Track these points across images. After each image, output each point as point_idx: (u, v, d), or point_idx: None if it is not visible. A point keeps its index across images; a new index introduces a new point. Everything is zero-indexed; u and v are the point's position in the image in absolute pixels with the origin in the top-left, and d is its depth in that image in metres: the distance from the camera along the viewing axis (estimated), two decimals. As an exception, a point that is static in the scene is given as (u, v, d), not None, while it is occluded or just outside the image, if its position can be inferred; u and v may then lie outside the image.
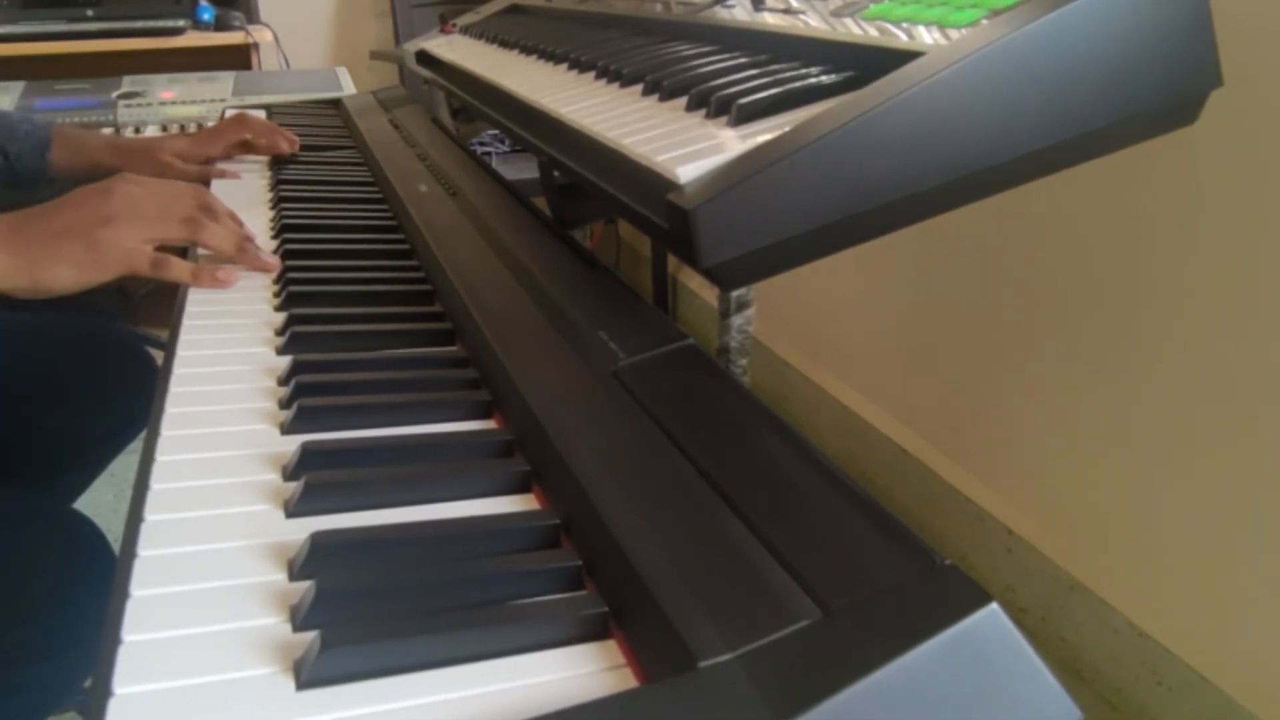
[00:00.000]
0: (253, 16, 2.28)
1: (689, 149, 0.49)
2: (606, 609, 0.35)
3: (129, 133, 1.76)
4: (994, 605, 0.30)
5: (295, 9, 2.46)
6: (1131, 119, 0.48)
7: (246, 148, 1.05)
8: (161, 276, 0.66)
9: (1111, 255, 1.10)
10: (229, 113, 1.17)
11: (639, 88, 0.63)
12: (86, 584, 0.69)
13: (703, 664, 0.30)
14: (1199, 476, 1.03)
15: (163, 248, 0.67)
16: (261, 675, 0.33)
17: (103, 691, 0.31)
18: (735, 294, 1.13)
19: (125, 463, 0.88)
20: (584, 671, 0.34)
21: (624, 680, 0.33)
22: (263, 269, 0.70)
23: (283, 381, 0.54)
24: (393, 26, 2.46)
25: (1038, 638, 1.24)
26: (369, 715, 0.31)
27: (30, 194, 0.96)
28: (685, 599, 0.33)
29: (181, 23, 2.10)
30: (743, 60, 0.61)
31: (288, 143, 1.04)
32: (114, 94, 1.82)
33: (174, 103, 1.82)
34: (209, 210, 0.70)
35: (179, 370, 0.54)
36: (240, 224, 0.73)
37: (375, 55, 1.97)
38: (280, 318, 0.62)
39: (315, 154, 1.06)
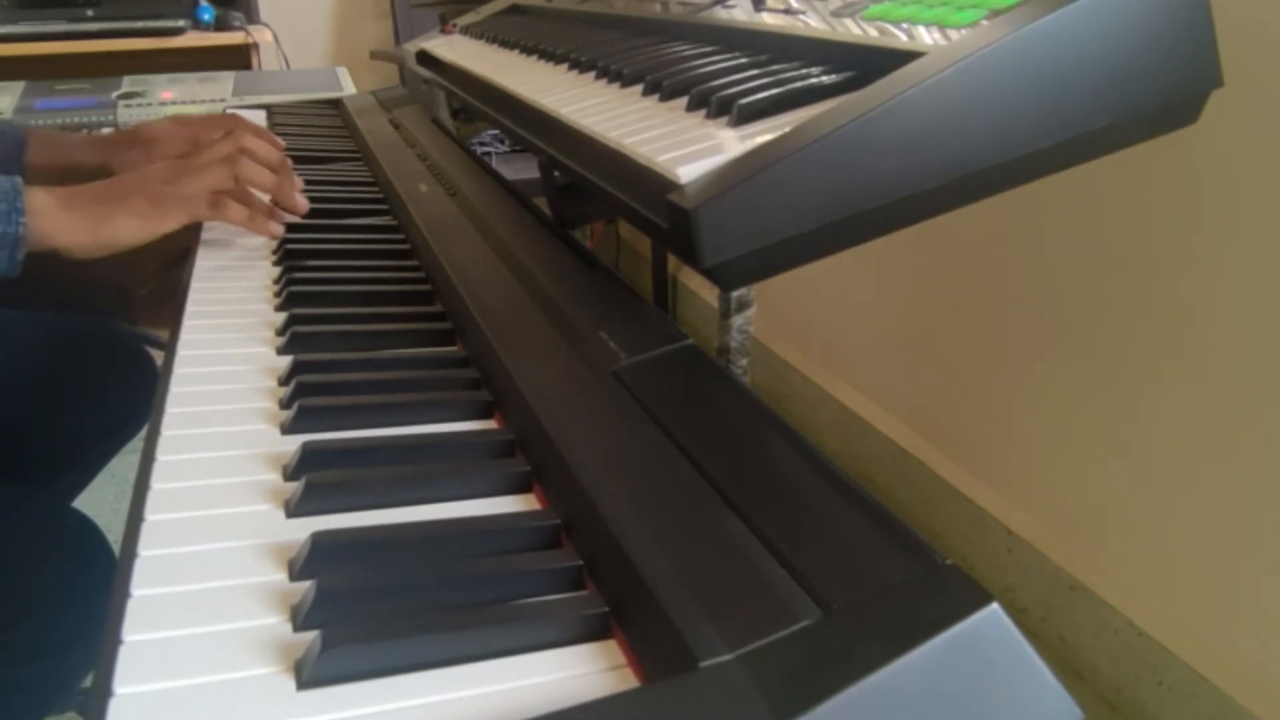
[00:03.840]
0: (253, 16, 2.28)
1: (690, 149, 0.49)
2: (607, 609, 0.36)
3: (129, 133, 1.75)
4: (995, 605, 0.30)
5: (295, 9, 2.46)
6: (1132, 119, 0.48)
7: None
8: (219, 216, 0.71)
9: (1111, 255, 1.10)
10: (228, 111, 1.16)
11: (639, 88, 0.63)
12: (86, 583, 0.69)
13: (703, 664, 0.30)
14: (1200, 476, 1.03)
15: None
16: (262, 675, 0.33)
17: (103, 691, 0.31)
18: (735, 294, 1.13)
19: (125, 462, 0.88)
20: (585, 671, 0.34)
21: (625, 680, 0.33)
22: (294, 208, 0.77)
23: (283, 381, 0.54)
24: (393, 26, 2.46)
25: (1038, 638, 1.24)
26: (370, 715, 0.31)
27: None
28: (686, 599, 0.33)
29: (181, 23, 2.10)
30: (743, 60, 0.61)
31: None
32: (114, 94, 1.82)
33: (174, 103, 1.82)
34: (243, 142, 0.75)
35: (179, 370, 0.54)
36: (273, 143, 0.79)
37: (375, 55, 1.97)
38: (280, 318, 0.62)
39: (315, 154, 1.06)
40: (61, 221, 0.65)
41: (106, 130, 1.76)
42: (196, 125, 0.98)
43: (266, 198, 0.77)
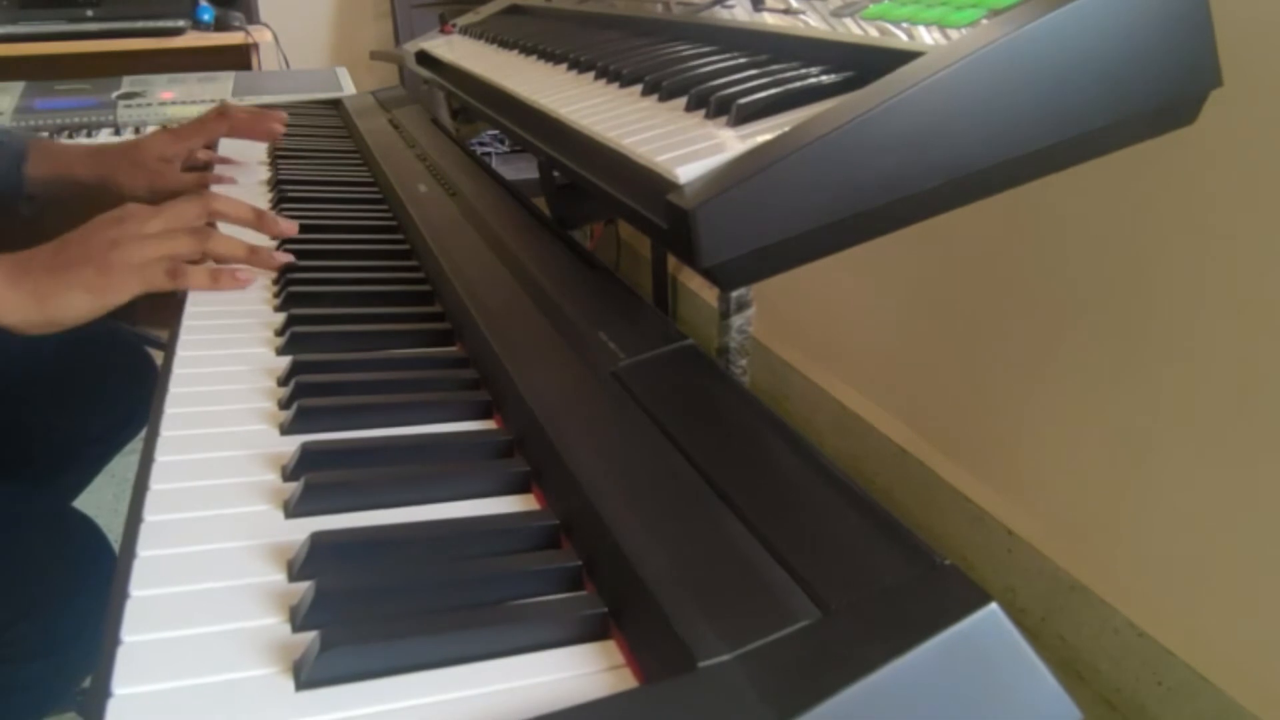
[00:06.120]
0: (253, 16, 2.28)
1: (689, 149, 0.49)
2: (606, 609, 0.35)
3: (129, 133, 1.76)
4: (994, 605, 0.30)
5: (295, 9, 2.46)
6: (1131, 119, 0.48)
7: (232, 135, 1.02)
8: (181, 286, 0.65)
9: (1110, 255, 1.10)
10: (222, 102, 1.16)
11: (639, 88, 0.63)
12: (86, 583, 0.69)
13: (702, 664, 0.30)
14: (1199, 476, 1.03)
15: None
16: (261, 676, 0.33)
17: (102, 692, 0.31)
18: (735, 294, 1.13)
19: (125, 462, 0.88)
20: (584, 672, 0.34)
21: (623, 681, 0.33)
22: (275, 268, 0.70)
23: (282, 382, 0.54)
24: (393, 26, 2.46)
25: (1038, 638, 1.24)
26: (368, 715, 0.31)
27: (8, 209, 0.94)
28: (685, 599, 0.33)
29: (181, 23, 2.10)
30: (742, 60, 0.61)
31: (277, 124, 1.01)
32: (114, 94, 1.82)
33: (174, 103, 1.82)
34: (213, 206, 0.69)
35: (179, 370, 0.54)
36: (251, 209, 0.72)
37: (375, 55, 1.97)
38: (280, 318, 0.62)
39: (315, 154, 1.06)
40: (7, 300, 0.61)
41: (106, 130, 1.76)
42: (190, 135, 0.98)
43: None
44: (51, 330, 0.63)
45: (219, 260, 0.68)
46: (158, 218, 0.66)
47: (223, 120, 1.01)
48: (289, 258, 0.70)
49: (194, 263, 0.67)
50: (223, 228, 0.71)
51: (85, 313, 0.63)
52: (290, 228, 0.73)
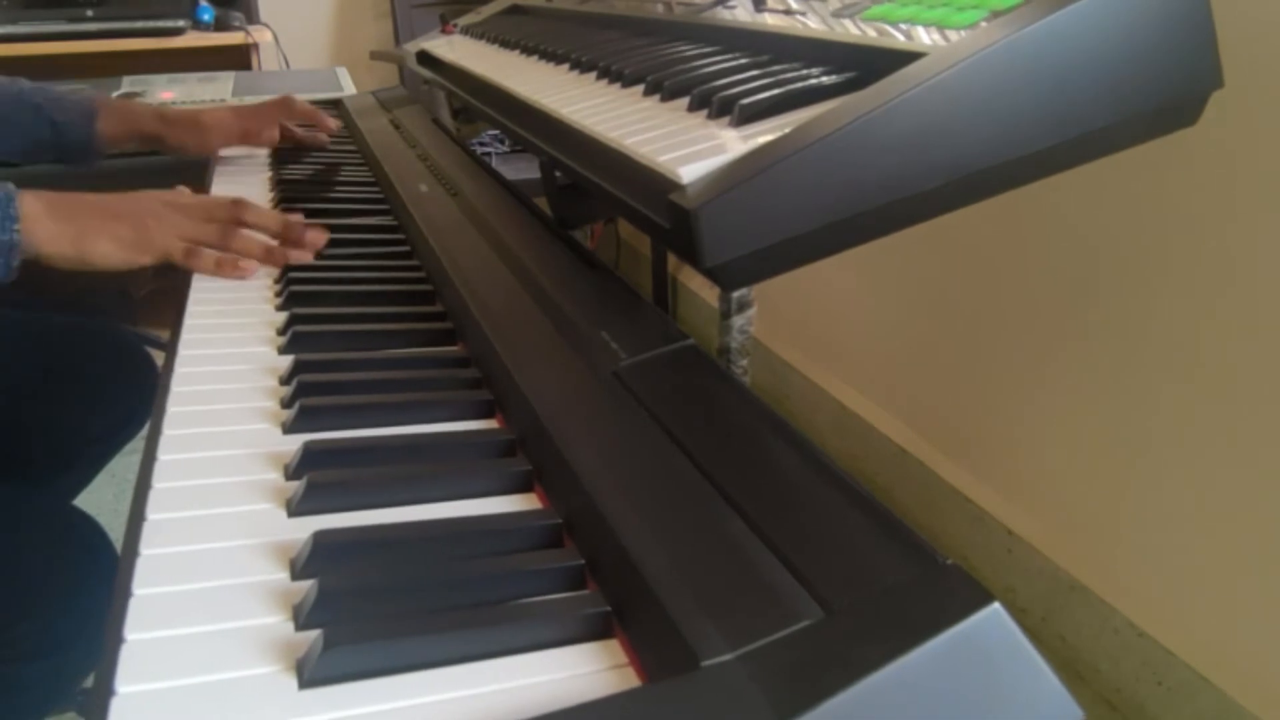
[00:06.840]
0: (253, 17, 2.28)
1: (691, 149, 0.49)
2: (608, 608, 0.36)
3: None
4: (996, 605, 0.30)
5: (295, 9, 2.46)
6: (1132, 120, 0.48)
7: (285, 133, 1.07)
8: (190, 266, 0.70)
9: (1111, 256, 1.10)
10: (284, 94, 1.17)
11: (640, 88, 0.63)
12: (88, 582, 0.69)
13: (705, 663, 0.30)
14: (1199, 476, 1.03)
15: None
16: (264, 674, 0.33)
17: (105, 690, 0.31)
18: (736, 294, 1.13)
19: (125, 462, 0.88)
20: (586, 671, 0.34)
21: (626, 680, 0.33)
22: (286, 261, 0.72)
23: (284, 381, 0.54)
24: (393, 26, 2.46)
25: (1038, 638, 1.24)
26: (371, 714, 0.31)
27: (79, 167, 0.99)
28: (687, 598, 0.33)
29: (181, 23, 2.10)
30: (744, 61, 0.61)
31: (326, 130, 1.09)
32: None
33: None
34: (244, 215, 0.73)
35: (181, 369, 0.54)
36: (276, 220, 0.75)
37: (375, 55, 1.96)
38: (282, 317, 0.62)
39: (315, 154, 1.06)
40: (49, 230, 0.65)
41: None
42: (250, 118, 1.04)
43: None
44: (79, 269, 0.67)
45: (238, 254, 0.71)
46: (195, 206, 0.72)
47: (283, 107, 1.06)
48: (308, 256, 0.72)
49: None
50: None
51: (111, 262, 0.67)
52: (318, 238, 0.74)
